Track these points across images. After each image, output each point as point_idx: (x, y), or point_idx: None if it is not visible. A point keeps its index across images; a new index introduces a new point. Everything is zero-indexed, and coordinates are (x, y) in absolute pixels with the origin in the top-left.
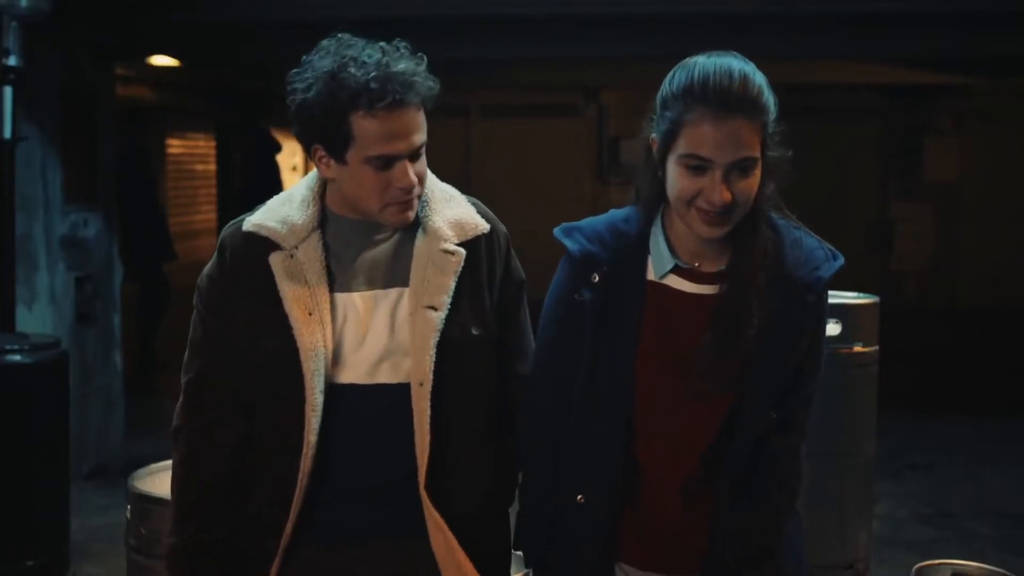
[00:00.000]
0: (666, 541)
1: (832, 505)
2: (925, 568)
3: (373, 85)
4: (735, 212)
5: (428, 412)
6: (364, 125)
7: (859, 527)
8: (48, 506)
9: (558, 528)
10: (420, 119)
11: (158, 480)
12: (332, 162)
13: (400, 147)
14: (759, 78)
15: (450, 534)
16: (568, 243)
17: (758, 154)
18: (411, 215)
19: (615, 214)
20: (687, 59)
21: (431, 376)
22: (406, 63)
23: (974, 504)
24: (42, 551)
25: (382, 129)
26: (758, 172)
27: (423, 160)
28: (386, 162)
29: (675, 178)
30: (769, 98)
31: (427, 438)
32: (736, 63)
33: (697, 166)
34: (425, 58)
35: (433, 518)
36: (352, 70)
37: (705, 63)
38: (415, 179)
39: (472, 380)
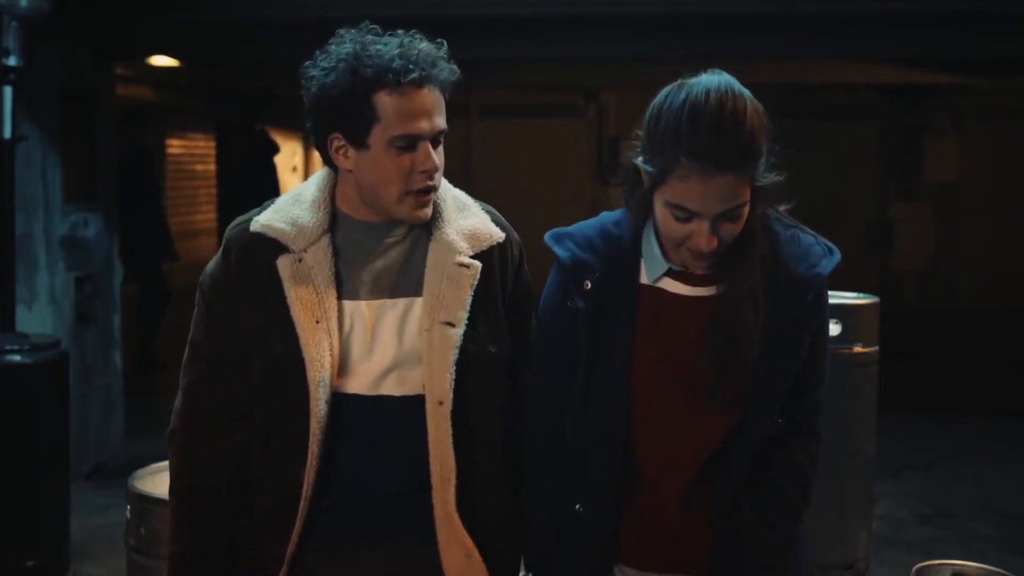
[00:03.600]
0: (666, 542)
1: (832, 505)
2: (925, 568)
3: (398, 63)
4: (721, 249)
5: (450, 431)
6: (388, 103)
7: (859, 527)
8: (48, 506)
9: (559, 532)
10: (442, 103)
11: (158, 480)
12: (351, 150)
13: (424, 127)
14: (751, 118)
15: (475, 551)
16: (559, 250)
17: (747, 198)
18: (428, 212)
19: (606, 217)
20: (680, 84)
21: (451, 394)
22: (428, 45)
23: (974, 504)
24: (42, 551)
25: (407, 107)
26: (746, 210)
27: (442, 152)
28: (409, 143)
29: (663, 218)
30: (761, 139)
31: (451, 459)
32: (728, 104)
33: (684, 216)
34: (445, 44)
35: (457, 534)
36: (375, 50)
37: (694, 105)
38: (437, 162)
39: (490, 397)
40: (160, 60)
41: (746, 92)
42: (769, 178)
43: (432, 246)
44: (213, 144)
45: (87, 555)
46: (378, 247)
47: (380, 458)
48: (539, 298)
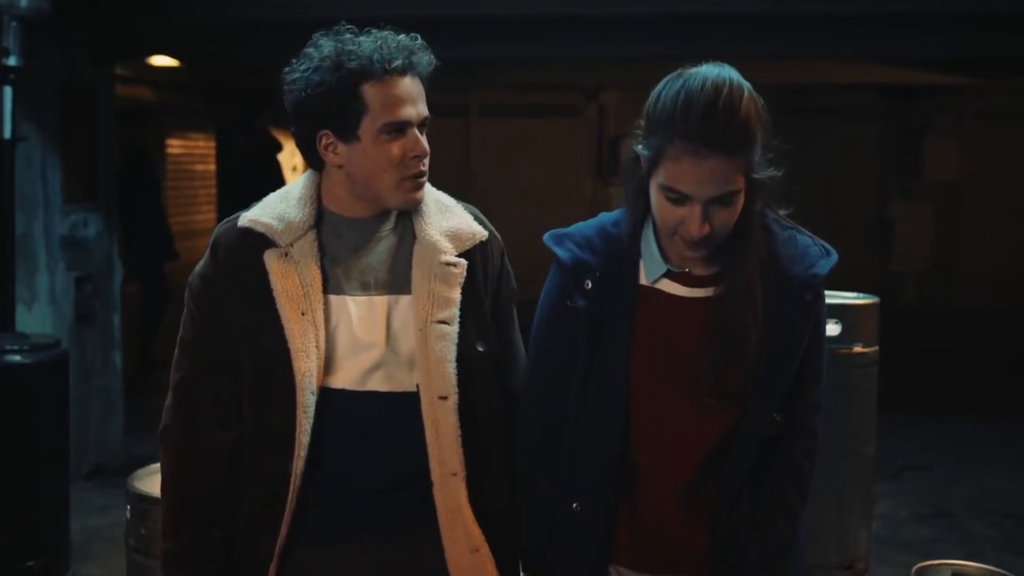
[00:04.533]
0: (663, 542)
1: (832, 505)
2: (925, 568)
3: (380, 54)
4: (715, 240)
5: (457, 426)
6: (376, 93)
7: (859, 527)
8: (48, 506)
9: (555, 531)
10: (423, 92)
11: (158, 480)
12: (341, 145)
13: (411, 113)
14: (746, 106)
15: (483, 545)
16: (559, 251)
17: (740, 186)
18: (421, 195)
19: (605, 218)
20: (679, 73)
21: (455, 390)
22: (404, 37)
23: (974, 504)
24: (42, 551)
25: (394, 94)
26: (740, 199)
27: (426, 140)
28: (400, 128)
29: (657, 204)
30: (755, 127)
31: (458, 453)
32: (724, 90)
33: (676, 198)
34: (419, 37)
35: (466, 529)
36: (356, 46)
37: (690, 89)
38: (427, 147)
39: (482, 394)
40: (160, 60)
41: (745, 83)
42: (766, 172)
43: (416, 247)
44: (213, 144)
45: (87, 555)
46: (364, 243)
47: (368, 453)
48: (537, 294)
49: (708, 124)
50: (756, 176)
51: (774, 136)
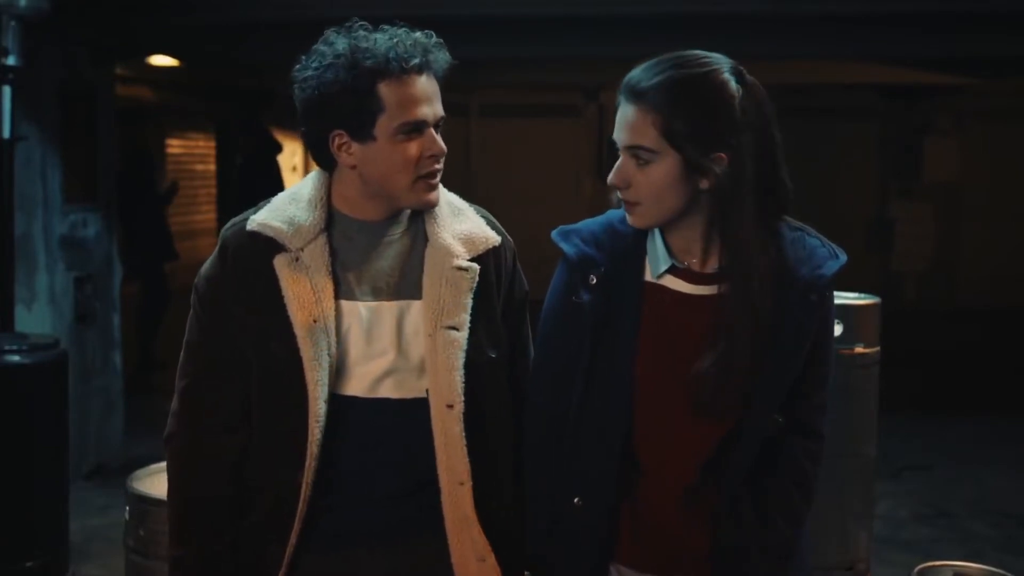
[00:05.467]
0: (663, 542)
1: (832, 505)
2: (926, 569)
3: (396, 52)
4: (637, 201)
5: (463, 434)
6: (392, 92)
7: (859, 527)
8: (47, 506)
9: (556, 529)
10: (439, 91)
11: (157, 481)
12: (355, 145)
13: (427, 112)
14: (699, 76)
15: (490, 555)
16: (565, 246)
17: (654, 147)
18: (437, 196)
19: (612, 215)
20: None
21: (462, 399)
22: (420, 35)
23: (974, 504)
24: (41, 551)
25: (411, 93)
26: (660, 168)
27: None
28: (416, 127)
29: None
30: (697, 98)
31: (464, 462)
32: (686, 57)
33: (616, 152)
34: (434, 33)
35: (472, 537)
36: (371, 43)
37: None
38: (444, 146)
39: (494, 400)
40: (160, 60)
41: (725, 70)
42: (707, 157)
43: (428, 251)
44: (213, 144)
45: (86, 555)
46: (375, 247)
47: (378, 460)
48: (541, 299)
49: (641, 73)
50: (686, 150)
51: (745, 134)
